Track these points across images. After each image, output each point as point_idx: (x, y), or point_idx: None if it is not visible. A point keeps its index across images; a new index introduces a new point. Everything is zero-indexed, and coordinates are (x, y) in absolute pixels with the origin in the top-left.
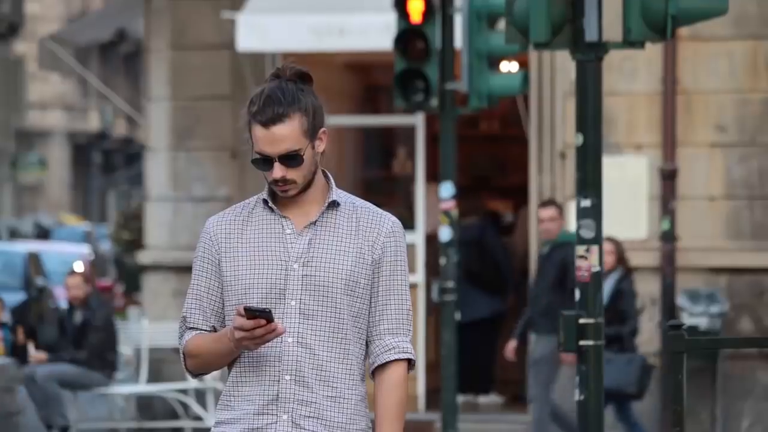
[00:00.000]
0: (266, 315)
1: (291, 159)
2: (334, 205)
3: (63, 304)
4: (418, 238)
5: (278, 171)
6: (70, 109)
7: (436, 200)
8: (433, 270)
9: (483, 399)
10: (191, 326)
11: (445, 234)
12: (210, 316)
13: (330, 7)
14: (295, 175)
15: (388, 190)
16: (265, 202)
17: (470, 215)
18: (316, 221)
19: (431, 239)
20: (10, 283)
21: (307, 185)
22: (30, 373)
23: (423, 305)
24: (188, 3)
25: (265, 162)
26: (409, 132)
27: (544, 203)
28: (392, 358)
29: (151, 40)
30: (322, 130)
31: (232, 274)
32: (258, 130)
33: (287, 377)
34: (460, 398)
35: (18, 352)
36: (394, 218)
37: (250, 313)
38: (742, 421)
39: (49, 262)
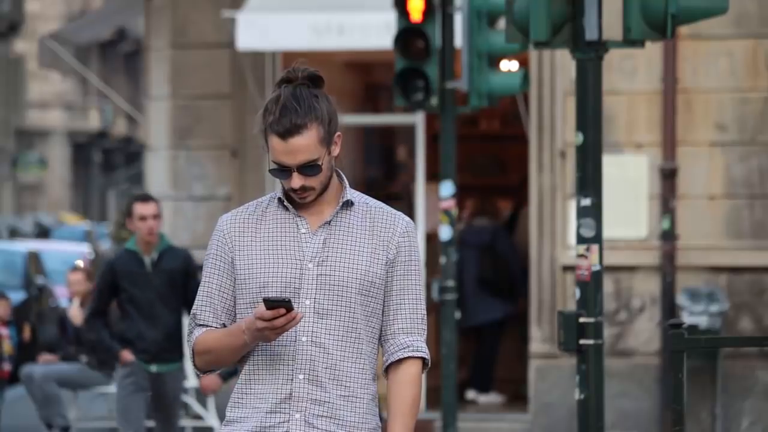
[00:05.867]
0: (286, 304)
1: (309, 168)
2: (348, 204)
3: (63, 303)
4: (418, 237)
5: (297, 181)
6: (70, 108)
7: (436, 199)
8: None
9: (483, 398)
10: (201, 323)
11: (445, 233)
12: (221, 313)
13: (330, 5)
14: (314, 182)
15: (388, 189)
16: (279, 200)
17: (480, 216)
18: (330, 221)
19: (431, 238)
20: (10, 282)
21: (324, 189)
22: (29, 372)
23: (425, 304)
24: (188, 2)
25: (283, 171)
26: (409, 131)
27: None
28: (406, 356)
29: (152, 38)
30: (337, 134)
31: (246, 272)
32: (275, 141)
33: (301, 376)
34: (471, 394)
35: (24, 351)
36: (407, 218)
37: (270, 304)
38: (742, 420)
39: (49, 261)
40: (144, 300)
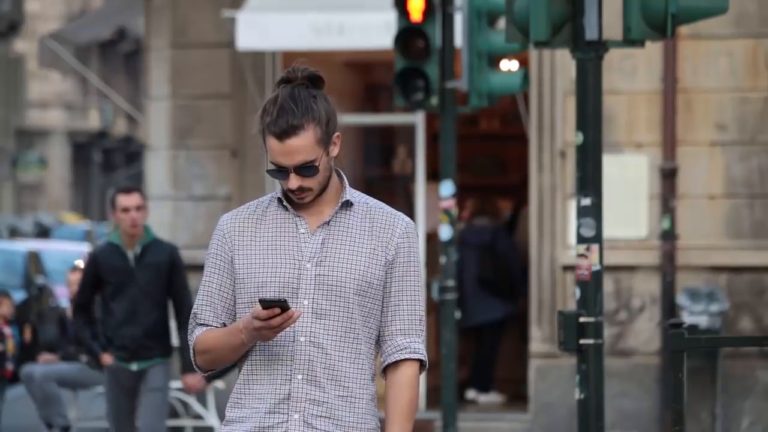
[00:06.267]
0: (281, 304)
1: (306, 169)
2: (347, 204)
3: (63, 303)
4: (418, 237)
5: (294, 181)
6: (70, 108)
7: (436, 199)
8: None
9: (483, 398)
10: (201, 323)
11: (445, 233)
12: (221, 313)
13: (330, 5)
14: (311, 183)
15: (388, 189)
16: (279, 200)
17: (480, 215)
18: (329, 221)
19: (431, 238)
20: (10, 282)
21: (323, 189)
22: (29, 372)
23: (425, 305)
24: (188, 1)
25: (280, 172)
26: (409, 131)
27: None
28: (403, 358)
29: (152, 38)
30: (336, 134)
31: (245, 272)
32: (272, 142)
33: (299, 376)
34: (471, 394)
35: (25, 351)
36: (407, 219)
37: (266, 304)
38: (742, 420)
39: (49, 261)
40: (127, 295)
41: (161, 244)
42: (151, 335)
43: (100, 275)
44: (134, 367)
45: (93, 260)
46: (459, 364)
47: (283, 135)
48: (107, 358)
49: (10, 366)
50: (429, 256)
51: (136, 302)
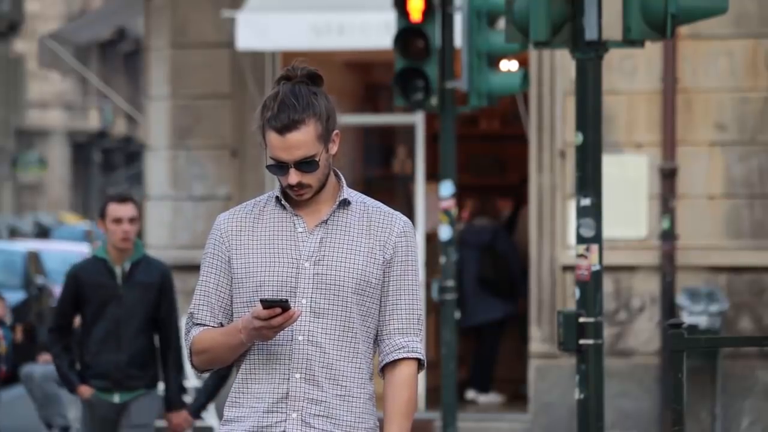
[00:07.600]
0: (282, 304)
1: (306, 165)
2: (345, 203)
3: None
4: (417, 237)
5: (294, 177)
6: (70, 108)
7: (435, 199)
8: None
9: (483, 398)
10: (198, 322)
11: (445, 233)
12: (218, 312)
13: (330, 5)
14: (311, 179)
15: (387, 189)
16: (277, 199)
17: (480, 215)
18: (327, 220)
19: (431, 238)
20: (9, 282)
21: (321, 187)
22: (29, 372)
23: (423, 304)
24: (188, 1)
25: (280, 168)
26: (409, 131)
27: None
28: (401, 357)
29: (151, 38)
30: (335, 132)
31: (243, 271)
32: (273, 137)
33: (297, 375)
34: (471, 394)
35: (17, 352)
36: (405, 218)
37: (267, 304)
38: (741, 420)
39: (48, 261)
40: (110, 316)
41: (153, 261)
42: (136, 363)
43: (82, 293)
44: (116, 399)
45: (74, 276)
46: (459, 364)
47: (284, 129)
48: (85, 391)
49: (3, 367)
50: (429, 256)
51: (120, 324)
